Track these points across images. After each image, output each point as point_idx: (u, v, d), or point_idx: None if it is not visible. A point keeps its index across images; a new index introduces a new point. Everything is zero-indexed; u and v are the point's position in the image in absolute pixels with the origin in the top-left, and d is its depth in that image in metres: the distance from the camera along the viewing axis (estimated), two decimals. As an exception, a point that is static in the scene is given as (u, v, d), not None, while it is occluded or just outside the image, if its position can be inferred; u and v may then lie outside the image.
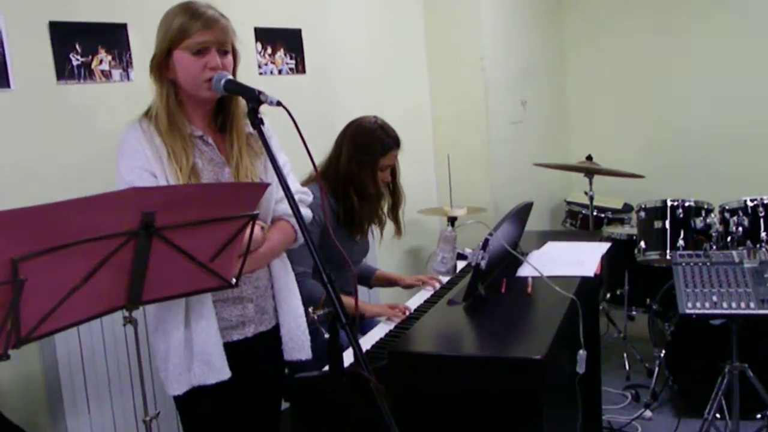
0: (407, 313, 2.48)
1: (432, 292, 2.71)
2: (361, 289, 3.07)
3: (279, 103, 1.64)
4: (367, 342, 2.15)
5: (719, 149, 4.85)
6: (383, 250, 3.40)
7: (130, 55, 2.65)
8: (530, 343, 1.85)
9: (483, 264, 2.12)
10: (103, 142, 2.51)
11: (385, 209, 2.82)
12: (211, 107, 1.92)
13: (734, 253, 2.74)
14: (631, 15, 5.11)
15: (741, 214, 3.45)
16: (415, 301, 2.64)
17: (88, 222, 1.33)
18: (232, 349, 1.88)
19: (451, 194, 4.03)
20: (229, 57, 1.86)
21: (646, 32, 5.07)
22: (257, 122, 1.67)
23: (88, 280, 1.38)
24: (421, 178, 4.37)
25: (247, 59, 3.10)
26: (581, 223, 4.48)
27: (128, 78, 2.65)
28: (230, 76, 1.80)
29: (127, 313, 1.57)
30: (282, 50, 3.38)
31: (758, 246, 3.33)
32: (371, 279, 2.97)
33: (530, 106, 4.82)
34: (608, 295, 4.12)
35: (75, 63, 2.49)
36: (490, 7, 4.37)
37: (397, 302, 2.61)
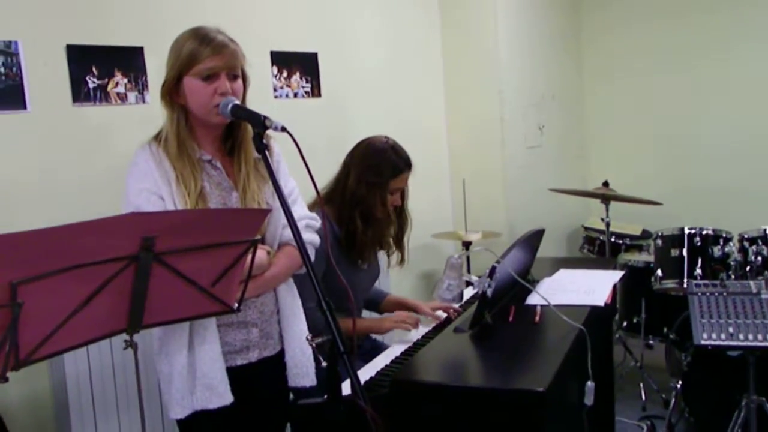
0: (418, 325, 2.42)
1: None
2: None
3: (284, 129, 1.64)
4: (371, 369, 2.14)
5: (739, 176, 4.80)
6: (395, 274, 3.38)
7: (146, 77, 2.69)
8: (534, 374, 1.83)
9: (489, 292, 2.11)
10: (119, 163, 2.51)
11: (391, 235, 2.67)
12: (221, 132, 1.94)
13: (752, 283, 2.69)
14: (648, 43, 5.10)
15: (760, 243, 3.38)
16: (424, 327, 2.60)
17: (88, 246, 1.34)
18: (235, 374, 1.87)
19: (466, 218, 4.02)
20: (239, 82, 1.87)
21: (663, 60, 5.05)
22: (262, 147, 1.68)
23: (87, 303, 1.39)
24: (436, 202, 4.36)
25: (262, 83, 3.15)
26: (599, 249, 4.44)
27: (144, 101, 2.69)
28: (237, 101, 1.81)
29: (127, 337, 1.57)
30: (298, 74, 3.40)
31: (776, 277, 3.27)
32: (381, 303, 2.83)
33: (547, 130, 4.81)
34: (625, 323, 4.06)
35: (91, 85, 2.53)
36: (508, 35, 4.38)
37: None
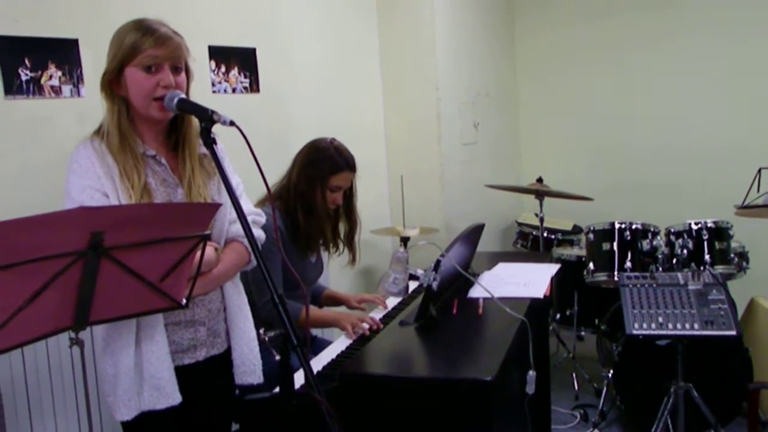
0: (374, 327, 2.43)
1: (385, 312, 2.72)
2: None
3: (232, 123, 1.63)
4: (318, 363, 2.14)
5: (666, 174, 4.98)
6: (335, 270, 3.39)
7: (81, 71, 2.61)
8: (480, 364, 1.87)
9: (435, 285, 2.14)
10: (53, 158, 2.46)
11: (341, 234, 2.80)
12: (165, 126, 1.90)
13: (679, 275, 2.81)
14: (580, 43, 5.24)
15: (686, 236, 3.54)
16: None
17: (35, 241, 1.30)
18: (182, 373, 1.85)
19: (404, 214, 4.06)
20: (183, 75, 1.84)
21: (594, 59, 5.20)
22: (210, 142, 1.66)
23: (33, 300, 1.35)
24: (375, 198, 4.38)
25: (200, 77, 3.10)
26: (532, 244, 4.55)
27: (79, 94, 2.61)
28: (183, 95, 1.79)
29: (73, 334, 1.53)
30: (236, 69, 3.37)
31: (702, 268, 3.42)
32: (320, 298, 2.96)
33: (483, 128, 4.89)
34: (558, 316, 4.18)
35: (24, 78, 2.44)
36: (445, 33, 4.43)
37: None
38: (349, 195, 2.78)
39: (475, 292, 2.47)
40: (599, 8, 5.16)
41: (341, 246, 2.81)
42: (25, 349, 2.32)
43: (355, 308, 2.83)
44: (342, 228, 2.81)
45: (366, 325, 2.42)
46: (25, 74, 2.44)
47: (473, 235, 2.65)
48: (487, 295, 2.33)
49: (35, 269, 1.32)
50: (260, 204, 2.47)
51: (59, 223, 1.34)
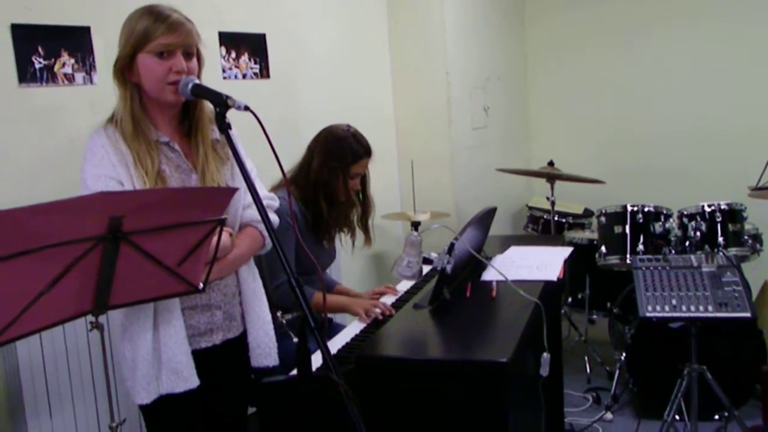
0: (386, 313, 2.47)
1: (398, 296, 2.73)
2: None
3: (247, 108, 1.63)
4: (333, 346, 2.16)
5: (679, 154, 4.95)
6: (346, 256, 3.40)
7: (93, 58, 2.62)
8: (495, 346, 1.88)
9: (448, 268, 2.15)
10: (66, 145, 2.48)
11: (355, 218, 2.82)
12: (177, 112, 1.91)
13: (692, 257, 2.81)
14: (591, 25, 5.21)
15: (699, 219, 3.53)
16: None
17: (55, 227, 1.32)
18: (199, 357, 1.87)
19: (414, 199, 4.06)
20: (194, 60, 1.85)
21: (605, 41, 5.17)
22: (225, 127, 1.67)
23: (54, 285, 1.37)
24: (385, 183, 4.38)
25: (211, 63, 3.10)
26: (543, 227, 4.54)
27: (91, 81, 2.62)
28: (197, 81, 1.80)
29: (93, 319, 1.55)
30: (246, 55, 3.37)
31: (716, 250, 3.41)
32: (332, 291, 2.93)
33: (493, 112, 4.88)
34: (570, 299, 4.19)
35: (37, 66, 2.45)
36: (455, 17, 4.41)
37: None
38: (364, 179, 2.79)
39: (489, 275, 2.47)
40: (610, -10, 5.12)
41: (357, 230, 2.82)
42: (43, 334, 2.34)
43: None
44: (356, 211, 2.82)
45: (378, 310, 2.44)
46: (38, 62, 2.46)
47: (486, 218, 2.65)
48: (501, 277, 2.34)
49: (55, 254, 1.33)
50: (274, 189, 2.48)
51: (79, 208, 1.35)
